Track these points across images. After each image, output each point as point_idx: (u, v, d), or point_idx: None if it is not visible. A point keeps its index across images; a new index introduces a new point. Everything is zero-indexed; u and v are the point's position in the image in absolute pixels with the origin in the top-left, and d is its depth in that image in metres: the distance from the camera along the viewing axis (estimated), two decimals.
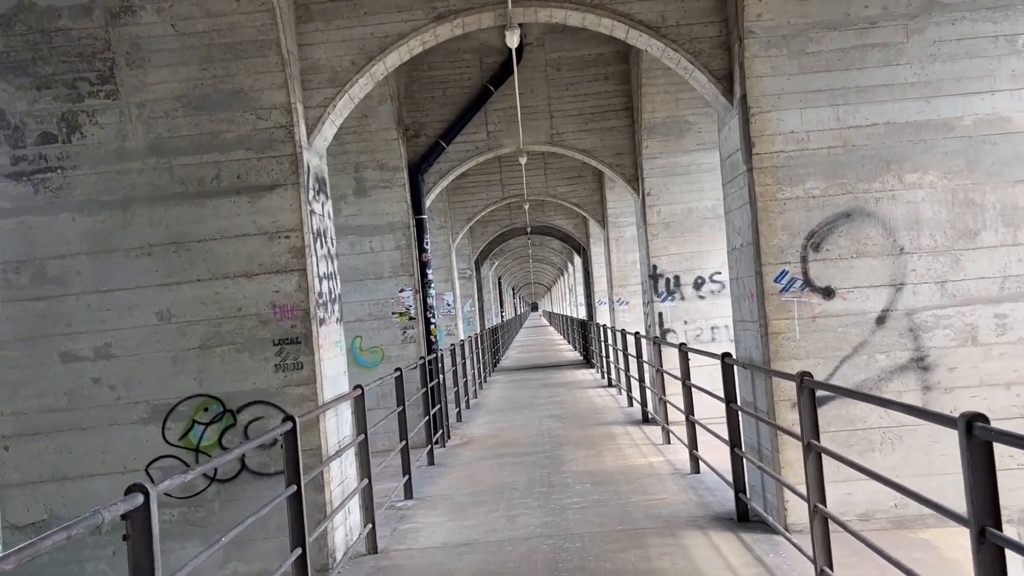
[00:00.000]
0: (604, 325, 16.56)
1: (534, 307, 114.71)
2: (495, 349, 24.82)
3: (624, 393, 14.25)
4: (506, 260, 37.61)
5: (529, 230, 21.76)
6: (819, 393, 5.39)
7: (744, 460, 6.09)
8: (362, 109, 10.62)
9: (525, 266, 48.24)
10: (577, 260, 31.52)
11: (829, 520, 4.33)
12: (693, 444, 7.87)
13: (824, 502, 4.43)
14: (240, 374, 5.76)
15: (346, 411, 6.49)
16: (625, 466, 8.49)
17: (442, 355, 11.21)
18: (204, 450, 5.77)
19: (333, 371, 6.21)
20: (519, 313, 75.83)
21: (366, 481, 6.11)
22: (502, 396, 16.19)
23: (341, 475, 6.21)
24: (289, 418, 4.43)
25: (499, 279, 40.50)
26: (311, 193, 6.02)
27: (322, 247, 6.17)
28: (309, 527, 5.55)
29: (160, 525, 5.80)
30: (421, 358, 9.52)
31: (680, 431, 9.26)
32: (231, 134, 5.81)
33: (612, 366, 16.11)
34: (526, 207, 18.18)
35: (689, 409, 7.89)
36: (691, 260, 10.92)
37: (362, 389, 6.12)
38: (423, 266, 11.10)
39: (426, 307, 11.10)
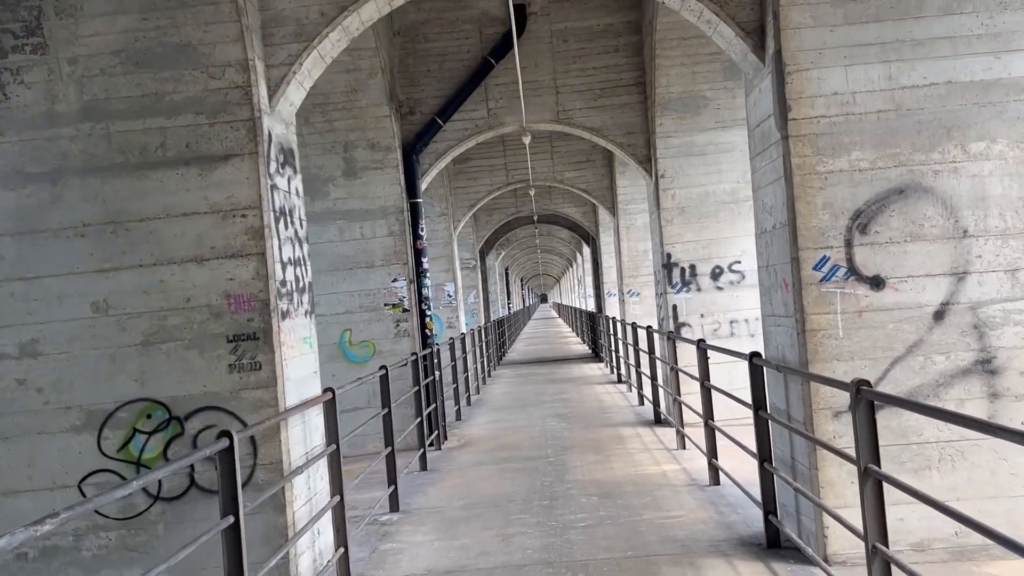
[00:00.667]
0: (613, 318, 15.72)
1: (543, 298, 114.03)
2: (500, 342, 24.01)
3: (634, 391, 13.42)
4: (513, 250, 36.74)
5: (536, 218, 20.92)
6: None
7: (776, 477, 5.24)
8: (351, 83, 9.79)
9: (533, 256, 47.35)
10: (586, 250, 30.64)
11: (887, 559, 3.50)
12: (712, 452, 7.03)
13: (886, 539, 3.58)
14: (188, 375, 4.95)
15: (318, 417, 5.68)
16: (636, 475, 7.66)
17: (439, 350, 10.40)
18: (146, 463, 4.96)
19: (300, 372, 5.40)
20: (527, 305, 75.02)
21: (338, 498, 5.29)
22: (506, 392, 15.38)
23: (309, 491, 5.40)
24: (225, 433, 3.62)
25: (506, 270, 39.63)
26: (273, 165, 5.19)
27: (287, 228, 5.35)
28: (266, 554, 4.74)
29: (94, 551, 5.02)
30: (413, 354, 8.71)
31: (696, 435, 8.42)
32: (178, 95, 4.98)
33: (622, 361, 15.26)
34: (532, 193, 17.34)
35: (708, 413, 7.05)
36: (708, 248, 10.05)
37: (333, 393, 5.31)
38: (418, 254, 10.27)
39: (421, 298, 10.27)
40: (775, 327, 5.50)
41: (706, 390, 7.06)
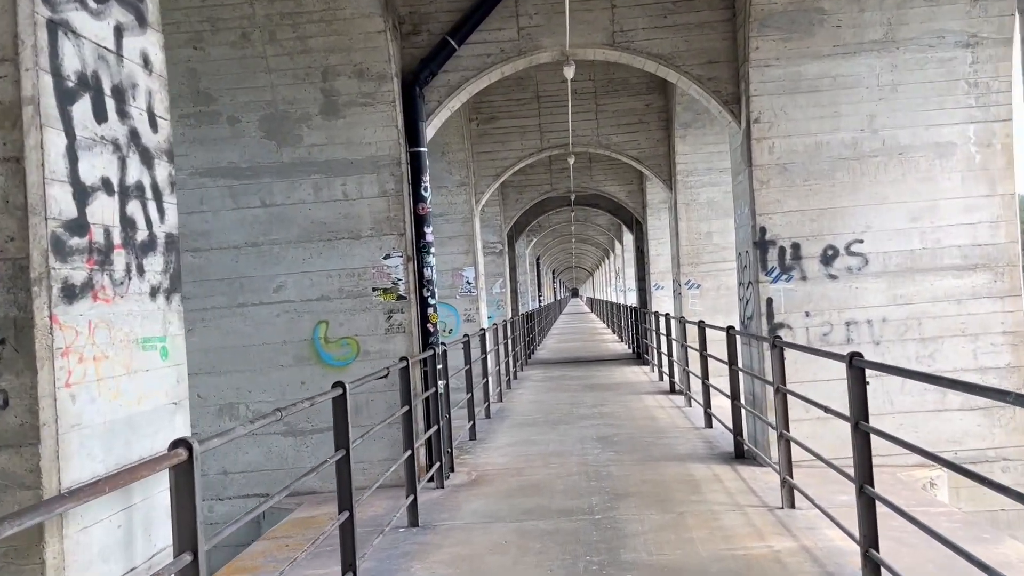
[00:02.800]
0: (667, 315, 12.95)
1: (574, 293, 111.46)
2: (530, 338, 21.34)
3: (696, 406, 10.67)
4: (545, 238, 34.00)
5: (573, 198, 18.23)
6: None
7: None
8: None
9: (567, 246, 44.57)
10: (627, 238, 27.84)
11: None
12: (869, 537, 4.28)
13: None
14: None
15: (161, 495, 3.02)
16: (731, 556, 4.95)
17: (445, 351, 7.75)
18: None
19: (126, 407, 2.75)
20: (559, 299, 72.38)
21: None
22: (534, 400, 12.71)
23: None
24: None
25: (537, 259, 36.91)
26: None
27: (99, 117, 2.69)
28: None
29: None
30: (403, 359, 6.05)
31: (812, 483, 5.69)
32: None
33: (676, 367, 12.53)
34: (571, 162, 14.58)
35: (865, 474, 4.29)
36: (818, 221, 7.28)
37: (189, 450, 2.66)
38: (419, 222, 7.62)
39: (422, 281, 7.62)
40: None
41: (861, 434, 4.31)
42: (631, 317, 21.15)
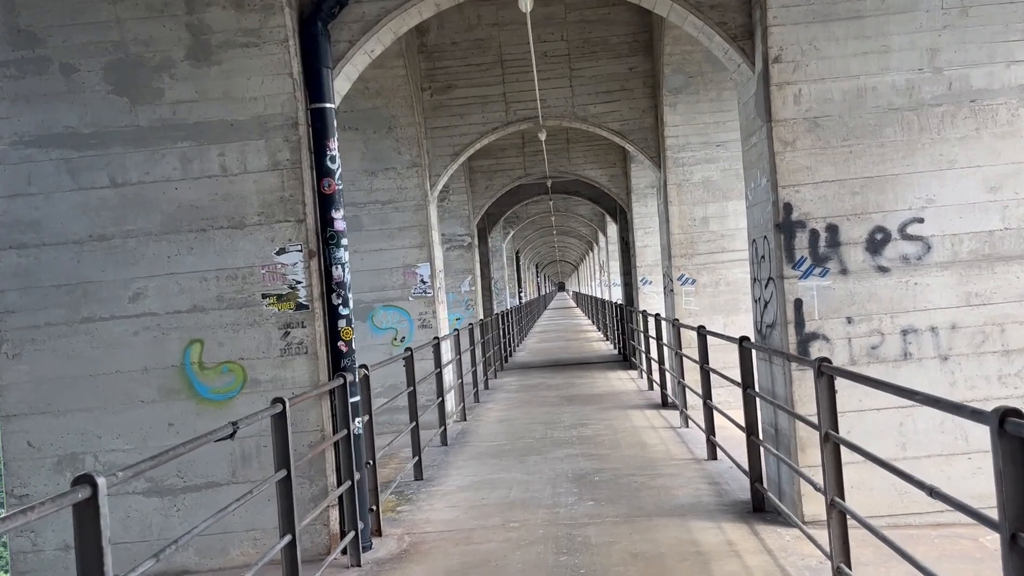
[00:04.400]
0: (657, 315, 11.06)
1: (560, 287, 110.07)
2: (506, 341, 19.41)
3: (695, 427, 8.80)
4: (524, 230, 32.01)
5: (550, 184, 16.24)
6: None
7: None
8: None
9: (548, 239, 42.61)
10: (611, 229, 25.98)
11: None
12: None
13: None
14: None
15: None
16: None
17: (367, 377, 5.79)
18: None
19: None
20: (543, 294, 70.52)
21: None
22: (504, 419, 10.80)
23: None
24: None
25: (516, 253, 34.92)
26: None
27: None
28: None
29: None
30: (276, 401, 4.10)
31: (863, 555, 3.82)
32: None
33: (668, 377, 10.65)
34: (542, 137, 12.60)
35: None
36: (862, 195, 5.39)
37: None
38: (326, 204, 5.67)
39: (330, 285, 5.66)
40: None
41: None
42: (616, 315, 19.27)
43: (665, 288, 11.33)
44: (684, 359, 9.16)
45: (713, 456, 7.51)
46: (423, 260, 10.68)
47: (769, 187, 5.52)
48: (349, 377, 5.41)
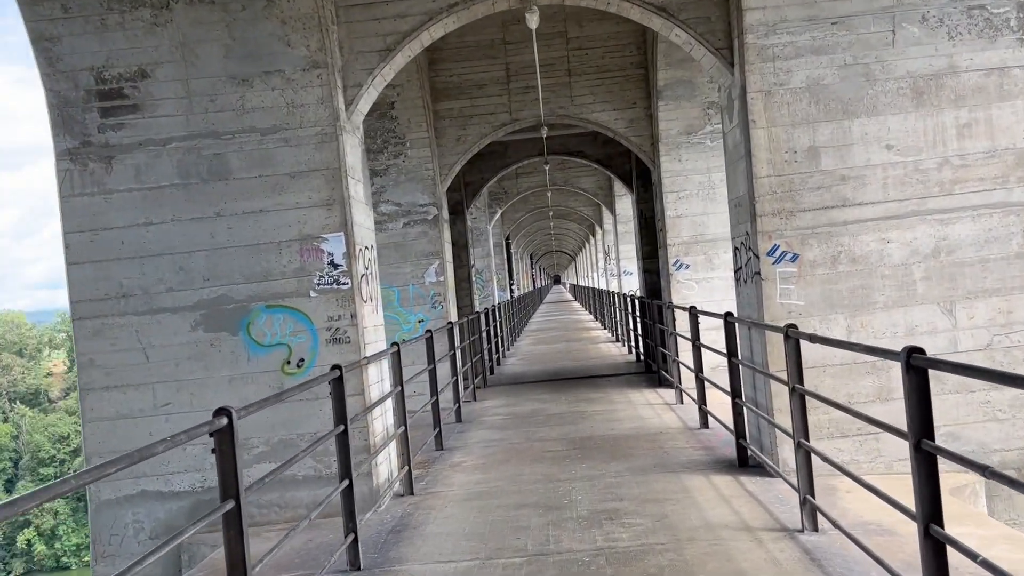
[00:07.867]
0: (729, 315, 6.66)
1: (556, 279, 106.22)
2: (490, 347, 15.00)
3: (852, 548, 4.37)
4: (515, 211, 27.51)
5: (545, 132, 11.82)
6: None
7: None
8: None
9: (544, 224, 38.11)
10: (622, 205, 21.58)
11: None
12: None
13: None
14: None
15: None
16: None
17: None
18: None
19: None
20: (539, 287, 66.20)
21: None
22: (473, 495, 6.41)
23: None
24: None
25: (506, 239, 30.44)
26: None
27: None
28: None
29: None
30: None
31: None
32: None
33: (760, 419, 6.26)
34: (532, 24, 7.97)
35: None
36: None
37: None
38: None
39: None
40: None
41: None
42: (633, 312, 14.88)
43: (740, 271, 6.91)
44: (798, 394, 4.78)
45: None
46: (334, 228, 6.27)
47: None
48: None
